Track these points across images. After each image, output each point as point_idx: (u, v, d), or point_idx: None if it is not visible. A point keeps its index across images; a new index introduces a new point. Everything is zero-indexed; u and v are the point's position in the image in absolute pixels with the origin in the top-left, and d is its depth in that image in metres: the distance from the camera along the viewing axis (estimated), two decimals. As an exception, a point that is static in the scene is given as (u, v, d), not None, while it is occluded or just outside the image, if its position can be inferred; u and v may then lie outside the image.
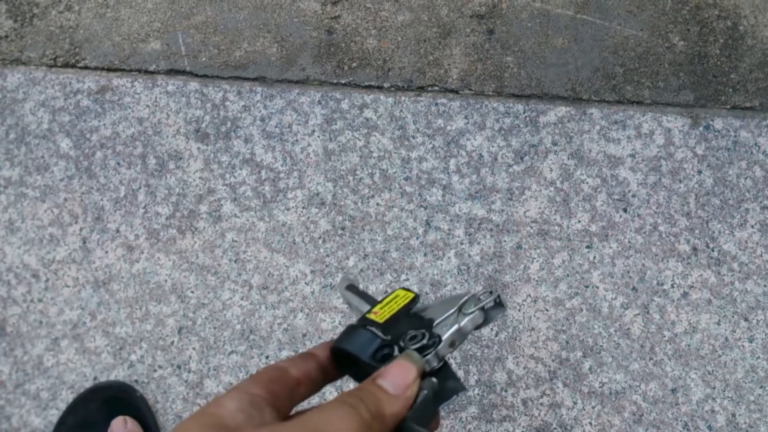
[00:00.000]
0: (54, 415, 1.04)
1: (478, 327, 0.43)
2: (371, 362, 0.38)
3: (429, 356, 0.38)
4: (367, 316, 0.42)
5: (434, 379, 0.38)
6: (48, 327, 1.07)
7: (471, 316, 0.41)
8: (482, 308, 0.42)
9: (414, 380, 0.35)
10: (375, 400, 0.33)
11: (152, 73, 1.18)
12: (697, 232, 1.04)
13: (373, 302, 0.46)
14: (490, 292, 0.43)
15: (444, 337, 0.40)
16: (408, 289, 0.45)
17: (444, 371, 0.39)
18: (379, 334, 0.39)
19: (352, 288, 0.49)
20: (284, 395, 0.36)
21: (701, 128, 1.08)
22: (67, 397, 1.05)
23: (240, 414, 0.32)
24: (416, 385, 0.35)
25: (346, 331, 0.41)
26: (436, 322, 0.41)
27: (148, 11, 1.22)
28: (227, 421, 0.31)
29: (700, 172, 1.06)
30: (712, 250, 1.03)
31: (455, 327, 0.41)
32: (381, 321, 0.41)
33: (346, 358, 0.40)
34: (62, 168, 1.14)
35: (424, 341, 0.38)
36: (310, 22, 1.19)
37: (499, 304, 0.42)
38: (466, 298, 0.42)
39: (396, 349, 0.38)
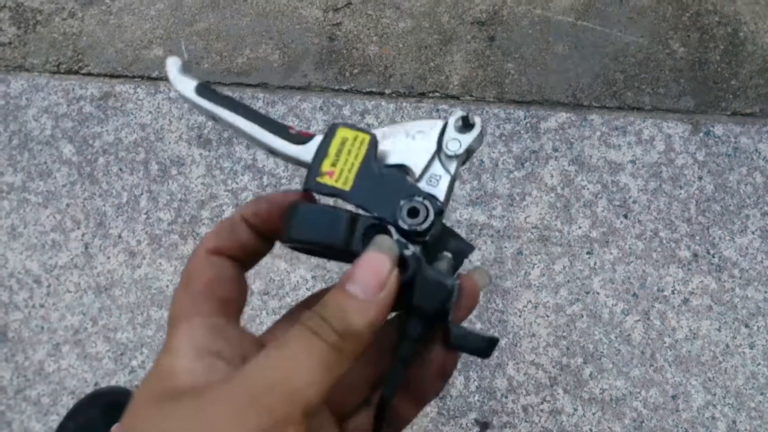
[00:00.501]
0: (54, 421, 1.04)
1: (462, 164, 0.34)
2: (361, 249, 0.29)
3: (434, 229, 0.30)
4: (322, 180, 0.30)
5: (448, 254, 0.31)
6: (49, 332, 1.08)
7: (459, 157, 0.32)
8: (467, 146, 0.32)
9: (389, 274, 0.27)
10: (341, 315, 0.26)
11: (155, 79, 1.19)
12: (697, 238, 1.04)
13: (249, 114, 0.33)
14: (464, 118, 0.32)
15: (443, 199, 0.31)
16: (352, 126, 0.32)
17: (445, 236, 0.32)
18: (363, 214, 0.30)
19: (207, 92, 0.33)
20: (235, 295, 0.30)
21: (702, 134, 1.08)
22: (67, 403, 1.05)
23: (197, 364, 0.26)
24: (393, 279, 0.27)
25: (302, 212, 0.29)
26: (419, 172, 0.31)
27: (151, 18, 1.23)
28: (181, 382, 0.26)
29: (700, 178, 1.06)
30: (713, 257, 1.03)
31: (448, 179, 0.31)
32: (348, 188, 0.30)
33: (313, 246, 0.30)
34: (65, 174, 1.14)
35: (430, 216, 0.29)
36: (312, 29, 1.20)
37: (481, 132, 0.32)
38: (439, 129, 0.32)
39: (394, 231, 0.30)
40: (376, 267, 0.27)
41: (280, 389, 0.24)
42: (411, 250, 0.29)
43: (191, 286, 0.29)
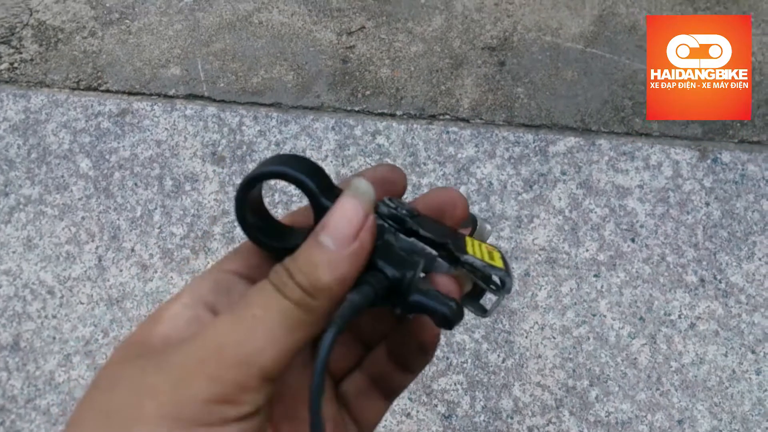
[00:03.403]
0: None
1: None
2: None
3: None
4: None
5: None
6: (61, 343, 1.09)
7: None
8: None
9: (364, 221, 0.24)
10: (309, 269, 0.23)
11: (171, 97, 1.22)
12: (704, 263, 1.05)
13: None
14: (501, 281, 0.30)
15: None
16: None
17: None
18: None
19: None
20: (263, 262, 0.27)
21: (709, 161, 1.09)
22: (76, 414, 1.06)
23: (185, 312, 0.25)
24: (369, 229, 0.24)
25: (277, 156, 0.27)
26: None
27: (169, 38, 1.26)
28: (159, 332, 0.25)
29: (707, 204, 1.07)
30: (720, 282, 1.04)
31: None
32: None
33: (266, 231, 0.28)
34: (81, 187, 1.16)
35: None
36: (326, 52, 1.22)
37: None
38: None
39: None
40: (349, 214, 0.24)
41: (231, 354, 0.22)
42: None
43: (240, 249, 0.28)
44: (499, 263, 0.29)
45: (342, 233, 0.24)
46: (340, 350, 0.31)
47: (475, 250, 0.29)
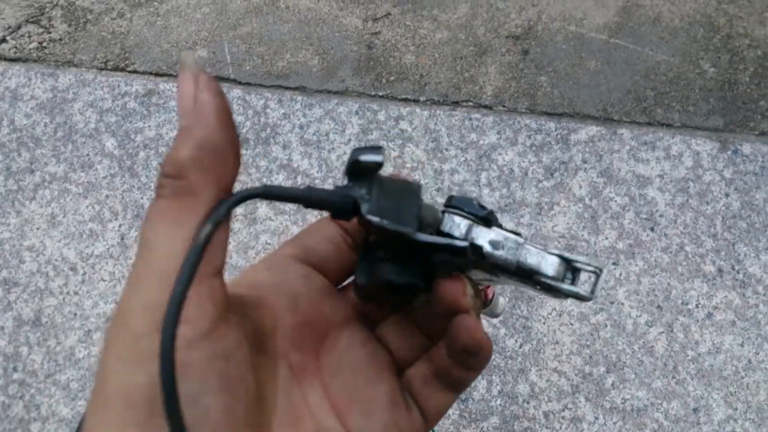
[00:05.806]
0: (82, 406, 1.07)
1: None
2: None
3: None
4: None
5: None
6: (82, 319, 1.10)
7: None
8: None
9: (195, 84, 0.21)
10: (171, 154, 0.21)
11: (197, 79, 1.23)
12: (723, 253, 1.05)
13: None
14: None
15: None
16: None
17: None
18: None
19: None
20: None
21: (729, 152, 1.10)
22: (97, 387, 1.07)
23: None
24: (205, 85, 0.21)
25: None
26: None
27: (197, 21, 1.27)
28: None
29: (727, 195, 1.08)
30: (738, 272, 1.04)
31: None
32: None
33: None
34: (106, 166, 1.18)
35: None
36: (351, 37, 1.23)
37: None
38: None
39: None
40: (183, 86, 0.21)
41: (154, 270, 0.20)
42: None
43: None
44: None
45: (183, 105, 0.21)
46: (404, 338, 0.30)
47: None
